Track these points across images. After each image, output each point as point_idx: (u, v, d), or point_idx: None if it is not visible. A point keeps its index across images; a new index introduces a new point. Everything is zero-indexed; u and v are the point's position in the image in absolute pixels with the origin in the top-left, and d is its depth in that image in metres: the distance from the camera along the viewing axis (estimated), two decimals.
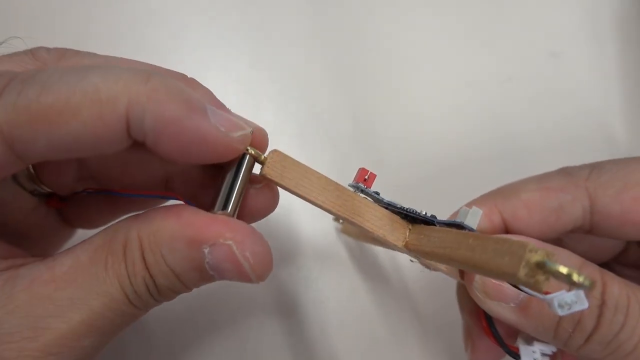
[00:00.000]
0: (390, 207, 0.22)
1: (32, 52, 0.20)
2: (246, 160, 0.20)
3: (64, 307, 0.17)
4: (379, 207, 0.22)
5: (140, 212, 0.20)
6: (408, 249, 0.22)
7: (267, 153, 0.20)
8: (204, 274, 0.19)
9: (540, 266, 0.15)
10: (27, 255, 0.19)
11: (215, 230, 0.18)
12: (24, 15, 0.36)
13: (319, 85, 0.38)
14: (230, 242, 0.18)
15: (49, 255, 0.23)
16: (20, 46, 0.21)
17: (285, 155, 0.20)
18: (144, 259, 0.18)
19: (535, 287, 0.15)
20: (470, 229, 0.20)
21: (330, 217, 0.32)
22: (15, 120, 0.15)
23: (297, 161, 0.20)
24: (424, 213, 0.22)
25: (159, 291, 0.18)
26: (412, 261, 0.24)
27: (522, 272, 0.15)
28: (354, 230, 0.30)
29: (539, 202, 0.23)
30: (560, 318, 0.20)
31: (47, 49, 0.20)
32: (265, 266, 0.19)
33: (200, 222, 0.18)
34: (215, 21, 0.39)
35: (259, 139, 0.21)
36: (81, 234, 0.25)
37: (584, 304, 0.16)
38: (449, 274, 0.24)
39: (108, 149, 0.17)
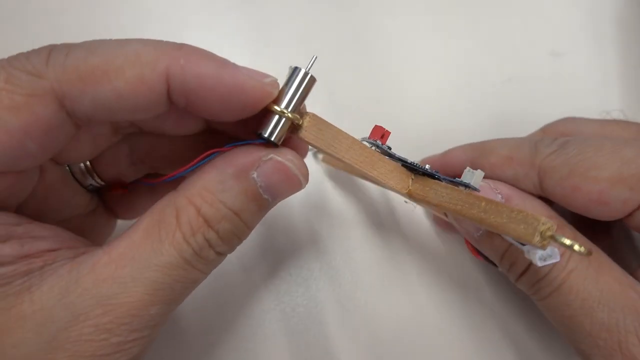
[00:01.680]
0: (399, 161, 0.25)
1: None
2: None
3: (127, 284, 0.18)
4: (390, 160, 0.24)
5: None
6: (411, 196, 0.25)
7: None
8: (261, 201, 0.20)
9: (549, 236, 0.19)
10: (88, 244, 0.20)
11: (253, 153, 0.20)
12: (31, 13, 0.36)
13: (319, 85, 0.38)
14: (271, 155, 0.20)
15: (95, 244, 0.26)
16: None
17: (319, 118, 0.21)
18: (200, 215, 0.19)
19: (535, 246, 0.19)
20: (475, 189, 0.23)
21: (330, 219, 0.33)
22: (65, 78, 0.17)
23: (329, 123, 0.21)
24: (429, 168, 0.25)
25: (222, 239, 0.20)
26: (406, 202, 0.27)
27: (535, 239, 0.19)
28: (334, 161, 0.32)
29: (500, 169, 0.27)
30: (504, 254, 0.25)
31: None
32: (304, 166, 0.21)
33: (237, 155, 0.20)
34: (215, 21, 0.39)
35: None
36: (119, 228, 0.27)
37: (557, 258, 0.21)
38: (435, 211, 0.28)
39: (148, 111, 0.18)
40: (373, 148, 0.24)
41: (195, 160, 0.20)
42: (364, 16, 0.42)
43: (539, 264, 0.21)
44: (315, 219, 0.35)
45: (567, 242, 0.18)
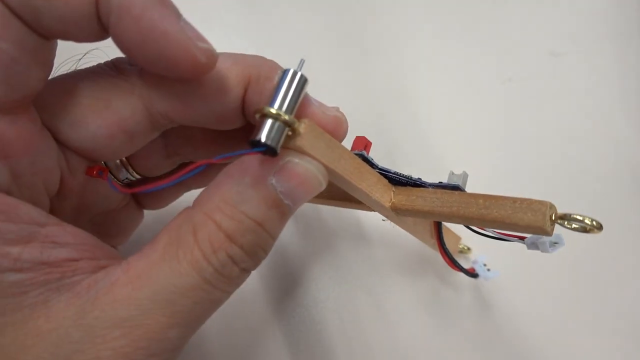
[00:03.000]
0: (383, 172, 0.24)
1: (114, 64, 0.21)
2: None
3: (145, 306, 0.17)
4: (374, 171, 0.23)
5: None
6: (395, 209, 0.24)
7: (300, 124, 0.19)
8: (282, 208, 0.19)
9: (559, 216, 0.19)
10: (110, 253, 0.19)
11: (267, 159, 0.19)
12: None
13: (320, 85, 0.38)
14: (288, 159, 0.19)
15: (123, 241, 0.27)
16: (102, 57, 0.21)
17: (314, 125, 0.19)
18: (222, 231, 0.18)
19: (547, 232, 0.19)
20: (463, 190, 0.23)
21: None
22: None
23: (322, 130, 0.20)
24: (416, 177, 0.24)
25: (248, 253, 0.19)
26: (383, 220, 0.26)
27: (547, 225, 0.19)
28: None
29: None
30: None
31: (129, 60, 0.21)
32: (322, 165, 0.20)
33: (250, 161, 0.19)
34: (215, 21, 0.39)
35: (332, 125, 0.21)
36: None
37: (564, 242, 0.22)
38: (413, 230, 0.28)
39: (77, 23, 0.17)
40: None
41: (182, 172, 0.18)
42: (364, 17, 0.41)
43: (550, 251, 0.21)
44: (314, 220, 0.35)
45: (580, 217, 0.19)
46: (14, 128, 0.18)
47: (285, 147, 0.18)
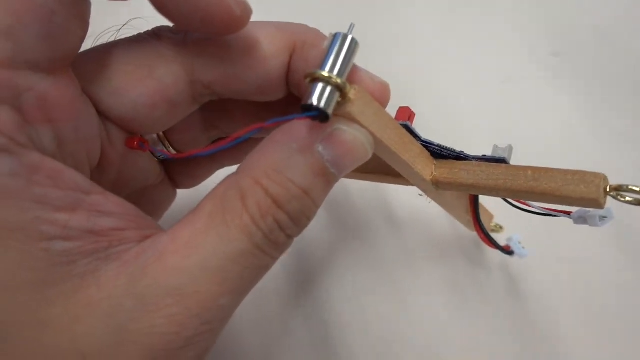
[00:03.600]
0: (425, 144, 0.23)
1: (155, 32, 0.20)
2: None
3: (196, 274, 0.17)
4: (417, 143, 0.22)
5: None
6: (436, 182, 0.23)
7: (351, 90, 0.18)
8: (328, 176, 0.19)
9: (614, 189, 0.19)
10: (153, 224, 0.19)
11: (314, 126, 0.18)
12: None
13: None
14: (336, 126, 0.18)
15: (154, 219, 0.26)
16: (143, 27, 0.20)
17: (364, 91, 0.18)
18: (269, 196, 0.18)
19: (601, 205, 0.19)
20: (508, 163, 0.22)
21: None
22: None
23: (372, 99, 0.19)
24: (458, 150, 0.23)
25: (293, 219, 0.18)
26: (420, 195, 0.26)
27: (601, 197, 0.18)
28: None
29: None
30: None
31: (170, 28, 0.20)
32: (369, 133, 0.19)
33: (298, 127, 0.18)
34: None
35: (379, 93, 0.21)
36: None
37: (614, 215, 0.21)
38: (450, 206, 0.27)
39: None
40: None
41: (235, 135, 0.18)
42: (365, 17, 0.42)
43: (599, 225, 0.21)
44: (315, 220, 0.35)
45: (636, 188, 0.18)
46: (58, 90, 0.17)
47: (334, 114, 0.17)
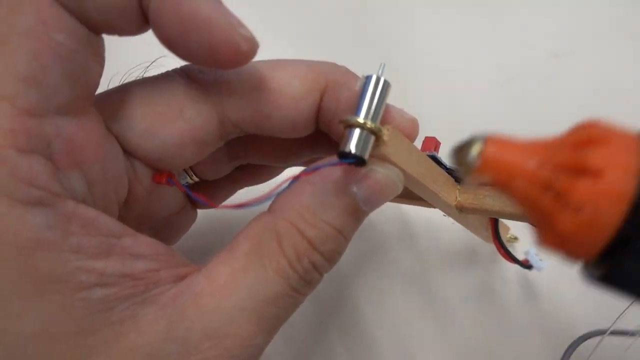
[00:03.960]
0: (450, 171, 0.23)
1: (185, 71, 0.20)
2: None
3: (233, 315, 0.17)
4: (443, 171, 0.23)
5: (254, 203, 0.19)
6: (460, 207, 0.23)
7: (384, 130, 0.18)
8: (360, 214, 0.19)
9: None
10: (183, 261, 0.19)
11: (349, 168, 0.18)
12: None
13: None
14: (371, 167, 0.18)
15: (176, 241, 0.27)
16: (171, 65, 0.20)
17: (397, 130, 0.19)
18: (306, 238, 0.18)
19: None
20: None
21: None
22: None
23: (404, 137, 0.19)
24: None
25: (327, 259, 0.19)
26: (444, 216, 0.26)
27: None
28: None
29: None
30: None
31: (199, 68, 0.20)
32: (400, 171, 0.19)
33: (332, 170, 0.19)
34: None
35: (410, 129, 0.21)
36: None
37: None
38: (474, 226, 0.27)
39: (120, 15, 0.17)
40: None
41: (276, 187, 0.18)
42: (366, 16, 0.41)
43: None
44: None
45: None
46: (84, 132, 0.17)
47: (370, 155, 0.18)
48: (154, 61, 0.21)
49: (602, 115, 0.37)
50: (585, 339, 0.29)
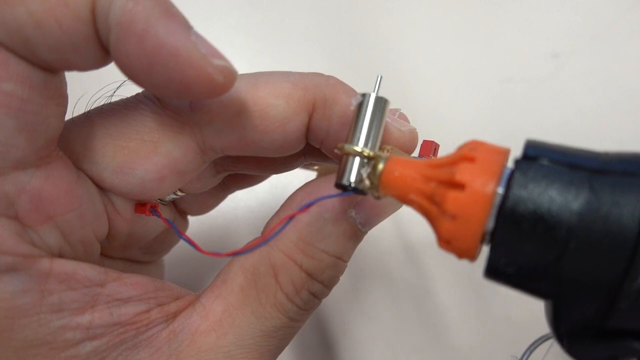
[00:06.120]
0: None
1: (157, 97, 0.18)
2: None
3: (232, 353, 0.17)
4: None
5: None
6: None
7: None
8: (358, 236, 0.18)
9: None
10: (175, 293, 0.18)
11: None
12: None
13: None
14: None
15: (167, 252, 0.25)
16: (136, 89, 0.18)
17: (397, 150, 0.17)
18: (303, 270, 0.17)
19: None
20: None
21: None
22: None
23: (403, 156, 0.17)
24: None
25: (327, 286, 0.18)
26: None
27: None
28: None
29: None
30: None
31: None
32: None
33: (328, 196, 0.17)
34: (215, 21, 0.39)
35: (409, 143, 0.19)
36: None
37: None
38: None
39: (75, 48, 0.14)
40: None
41: (273, 228, 0.16)
42: (365, 16, 0.41)
43: None
44: None
45: None
46: (51, 182, 0.15)
47: None
48: (122, 82, 0.18)
49: (602, 115, 0.37)
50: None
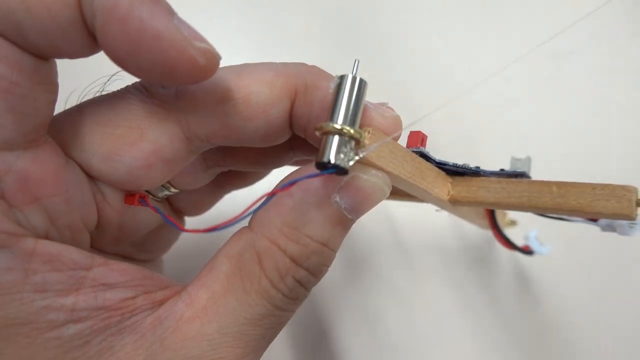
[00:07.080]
0: (440, 165, 0.22)
1: (144, 86, 0.19)
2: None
3: (216, 340, 0.17)
4: (432, 166, 0.22)
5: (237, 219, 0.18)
6: (453, 201, 0.22)
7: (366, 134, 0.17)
8: (346, 223, 0.18)
9: None
10: (162, 283, 0.18)
11: (330, 177, 0.17)
12: None
13: None
14: (353, 174, 0.17)
15: (165, 252, 0.26)
16: (131, 78, 0.19)
17: (378, 132, 0.17)
18: (288, 255, 0.17)
19: (633, 219, 0.18)
20: (528, 177, 0.22)
21: None
22: None
23: (385, 136, 0.18)
24: (473, 167, 0.22)
25: (313, 273, 0.18)
26: (437, 211, 0.25)
27: (634, 212, 0.18)
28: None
29: None
30: None
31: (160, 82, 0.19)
32: (385, 174, 0.19)
33: (313, 180, 0.17)
34: (215, 21, 0.39)
35: (392, 128, 0.19)
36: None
37: None
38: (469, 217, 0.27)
39: (62, 33, 0.15)
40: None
41: (250, 206, 0.17)
42: (364, 15, 0.41)
43: (629, 234, 0.20)
44: None
45: None
46: (38, 164, 0.16)
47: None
48: (113, 75, 0.19)
49: (602, 115, 0.38)
50: None
